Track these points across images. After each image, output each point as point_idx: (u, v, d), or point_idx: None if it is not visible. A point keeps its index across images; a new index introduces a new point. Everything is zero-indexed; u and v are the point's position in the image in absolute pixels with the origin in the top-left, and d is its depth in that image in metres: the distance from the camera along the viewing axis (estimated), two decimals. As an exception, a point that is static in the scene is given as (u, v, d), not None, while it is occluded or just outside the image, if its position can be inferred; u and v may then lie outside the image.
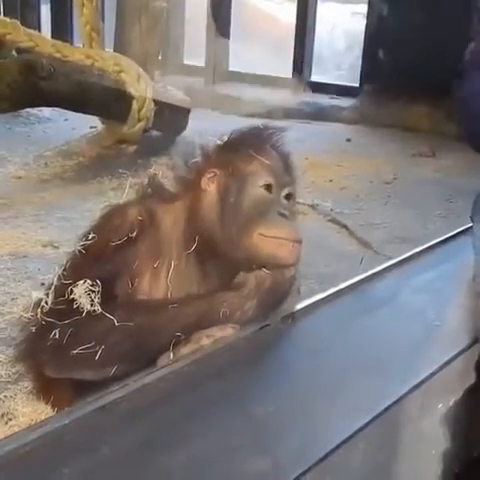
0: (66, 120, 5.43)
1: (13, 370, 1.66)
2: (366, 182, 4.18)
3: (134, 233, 1.50)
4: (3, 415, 1.49)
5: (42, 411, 1.42)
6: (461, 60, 1.74)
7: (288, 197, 1.52)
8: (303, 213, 3.44)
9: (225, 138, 1.56)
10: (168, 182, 1.66)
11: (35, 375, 1.51)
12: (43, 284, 2.54)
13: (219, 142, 1.56)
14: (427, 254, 1.88)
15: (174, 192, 1.62)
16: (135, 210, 1.54)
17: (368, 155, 4.75)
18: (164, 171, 1.66)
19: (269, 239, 1.43)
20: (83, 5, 4.57)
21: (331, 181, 4.19)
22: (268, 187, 1.48)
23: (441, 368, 1.33)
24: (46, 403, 1.48)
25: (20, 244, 3.02)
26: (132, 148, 4.39)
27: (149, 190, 1.64)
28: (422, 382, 1.27)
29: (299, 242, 1.45)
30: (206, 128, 4.83)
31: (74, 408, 1.11)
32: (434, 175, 4.36)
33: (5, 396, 1.59)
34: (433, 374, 1.30)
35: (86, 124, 4.90)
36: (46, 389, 1.49)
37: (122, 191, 3.61)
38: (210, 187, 1.51)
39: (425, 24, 5.40)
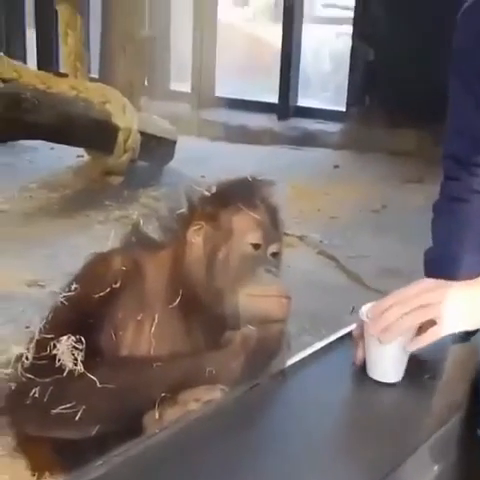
0: (52, 149, 5.38)
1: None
2: (355, 211, 4.16)
3: (118, 284, 1.46)
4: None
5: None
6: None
7: (275, 255, 1.48)
8: (291, 245, 3.41)
9: (213, 188, 1.51)
10: (153, 231, 1.62)
11: (16, 432, 1.46)
12: (28, 327, 2.49)
13: (206, 193, 1.51)
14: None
15: (159, 242, 1.57)
16: (119, 259, 1.49)
17: (356, 182, 4.73)
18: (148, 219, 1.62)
19: (258, 298, 1.39)
20: (67, 34, 4.57)
21: (319, 210, 4.17)
22: (256, 245, 1.44)
23: (439, 427, 1.28)
24: (27, 464, 1.44)
25: (3, 283, 2.97)
26: (119, 179, 4.36)
27: (133, 238, 1.60)
28: (420, 443, 1.23)
29: (289, 298, 1.41)
30: (192, 157, 4.85)
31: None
32: (423, 202, 4.33)
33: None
34: (430, 434, 1.26)
35: (72, 153, 4.87)
36: (27, 447, 1.45)
37: (109, 224, 3.59)
38: (196, 239, 1.47)
39: (412, 45, 5.40)
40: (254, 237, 1.44)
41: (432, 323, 1.28)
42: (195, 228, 1.47)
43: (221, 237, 1.44)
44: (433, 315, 1.27)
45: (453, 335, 1.37)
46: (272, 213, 1.49)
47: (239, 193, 1.49)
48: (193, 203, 1.52)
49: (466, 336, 1.44)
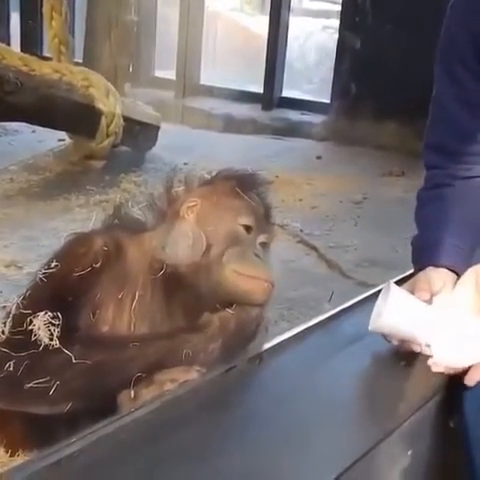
0: (33, 132, 5.33)
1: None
2: (336, 202, 4.16)
3: (98, 264, 1.45)
4: None
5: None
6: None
7: (263, 245, 1.50)
8: (272, 234, 3.41)
9: (213, 173, 1.56)
10: (137, 210, 1.62)
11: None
12: (4, 307, 2.47)
13: (207, 175, 1.56)
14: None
15: (144, 221, 1.58)
16: (100, 239, 1.49)
17: (338, 173, 4.73)
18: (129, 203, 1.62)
19: (243, 276, 1.40)
20: (52, 18, 4.51)
21: (301, 200, 4.17)
22: (248, 228, 1.46)
23: (414, 412, 1.29)
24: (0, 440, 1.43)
25: (-19, 264, 2.94)
26: (100, 164, 4.33)
27: (115, 220, 1.60)
28: (394, 427, 1.24)
29: (272, 284, 1.42)
30: (175, 144, 4.82)
31: (26, 463, 1.04)
32: (404, 195, 4.35)
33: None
34: (404, 419, 1.27)
35: (54, 137, 4.82)
36: (0, 424, 1.43)
37: (89, 208, 3.56)
38: (189, 216, 1.48)
39: (398, 40, 5.40)
40: (246, 219, 1.46)
41: None
42: (190, 205, 1.49)
43: (214, 215, 1.46)
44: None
45: None
46: (266, 207, 1.53)
47: (238, 181, 1.52)
48: (191, 182, 1.54)
49: None
